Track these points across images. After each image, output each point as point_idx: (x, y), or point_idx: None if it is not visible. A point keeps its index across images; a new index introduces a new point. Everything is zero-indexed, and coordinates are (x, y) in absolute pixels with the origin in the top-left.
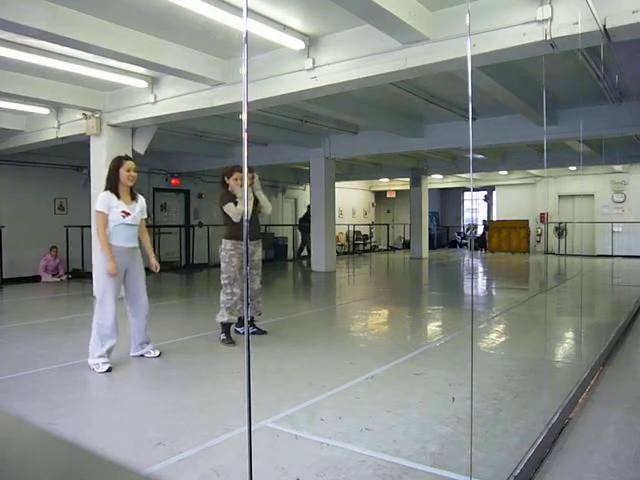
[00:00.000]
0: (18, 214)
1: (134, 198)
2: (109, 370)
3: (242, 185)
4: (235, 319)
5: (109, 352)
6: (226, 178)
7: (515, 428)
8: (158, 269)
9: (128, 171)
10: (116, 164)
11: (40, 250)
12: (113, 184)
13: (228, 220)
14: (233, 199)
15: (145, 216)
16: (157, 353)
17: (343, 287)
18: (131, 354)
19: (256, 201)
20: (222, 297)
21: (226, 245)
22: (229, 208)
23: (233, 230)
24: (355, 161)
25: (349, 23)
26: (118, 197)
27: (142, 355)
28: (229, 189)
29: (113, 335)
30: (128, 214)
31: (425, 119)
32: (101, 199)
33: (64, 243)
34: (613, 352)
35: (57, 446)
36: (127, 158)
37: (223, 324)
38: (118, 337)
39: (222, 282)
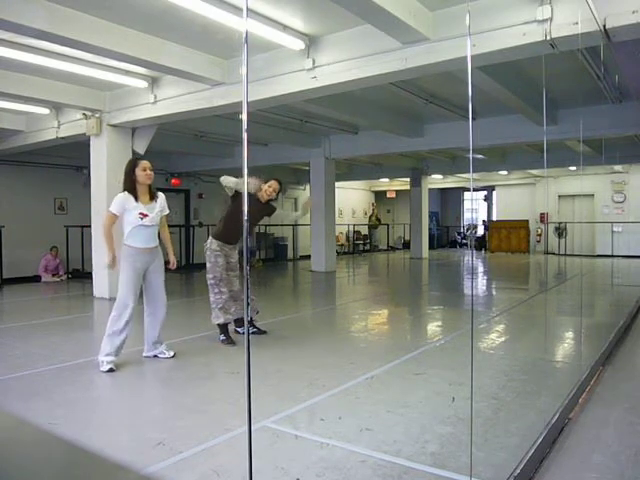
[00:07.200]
0: (18, 214)
1: (153, 197)
2: (110, 370)
3: (269, 195)
4: (231, 318)
5: (119, 349)
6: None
7: (515, 428)
8: (174, 267)
9: (144, 170)
10: (131, 166)
11: (40, 250)
12: (130, 185)
13: (225, 221)
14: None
15: (167, 212)
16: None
17: (343, 287)
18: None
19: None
20: (211, 298)
21: (212, 245)
22: (235, 183)
23: (224, 232)
24: (355, 161)
25: (349, 23)
26: (136, 198)
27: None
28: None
29: (124, 331)
30: (146, 215)
31: (425, 119)
32: (116, 201)
33: (64, 243)
34: (613, 352)
35: (57, 446)
36: (141, 158)
37: (220, 325)
38: (130, 333)
39: (209, 282)
